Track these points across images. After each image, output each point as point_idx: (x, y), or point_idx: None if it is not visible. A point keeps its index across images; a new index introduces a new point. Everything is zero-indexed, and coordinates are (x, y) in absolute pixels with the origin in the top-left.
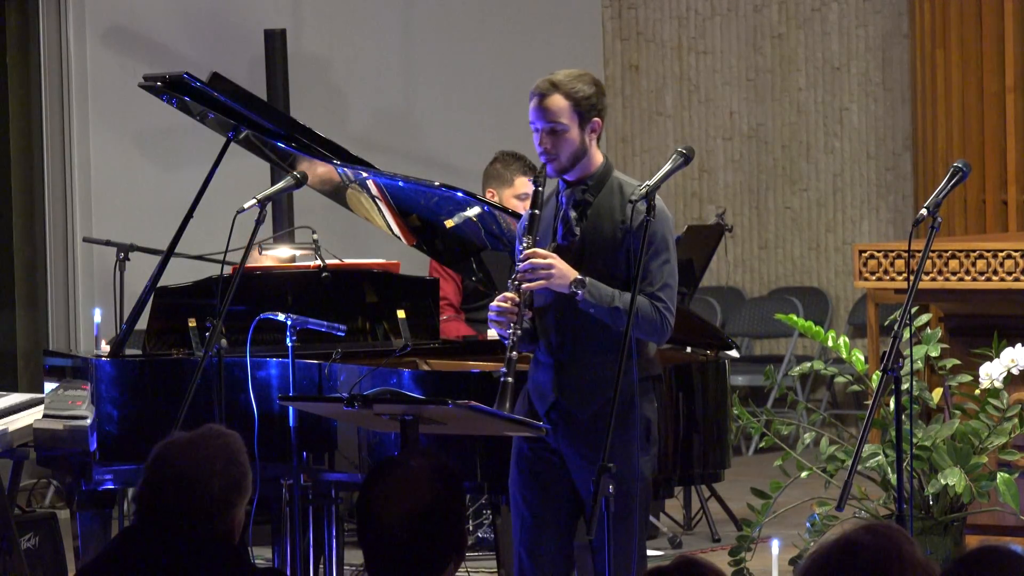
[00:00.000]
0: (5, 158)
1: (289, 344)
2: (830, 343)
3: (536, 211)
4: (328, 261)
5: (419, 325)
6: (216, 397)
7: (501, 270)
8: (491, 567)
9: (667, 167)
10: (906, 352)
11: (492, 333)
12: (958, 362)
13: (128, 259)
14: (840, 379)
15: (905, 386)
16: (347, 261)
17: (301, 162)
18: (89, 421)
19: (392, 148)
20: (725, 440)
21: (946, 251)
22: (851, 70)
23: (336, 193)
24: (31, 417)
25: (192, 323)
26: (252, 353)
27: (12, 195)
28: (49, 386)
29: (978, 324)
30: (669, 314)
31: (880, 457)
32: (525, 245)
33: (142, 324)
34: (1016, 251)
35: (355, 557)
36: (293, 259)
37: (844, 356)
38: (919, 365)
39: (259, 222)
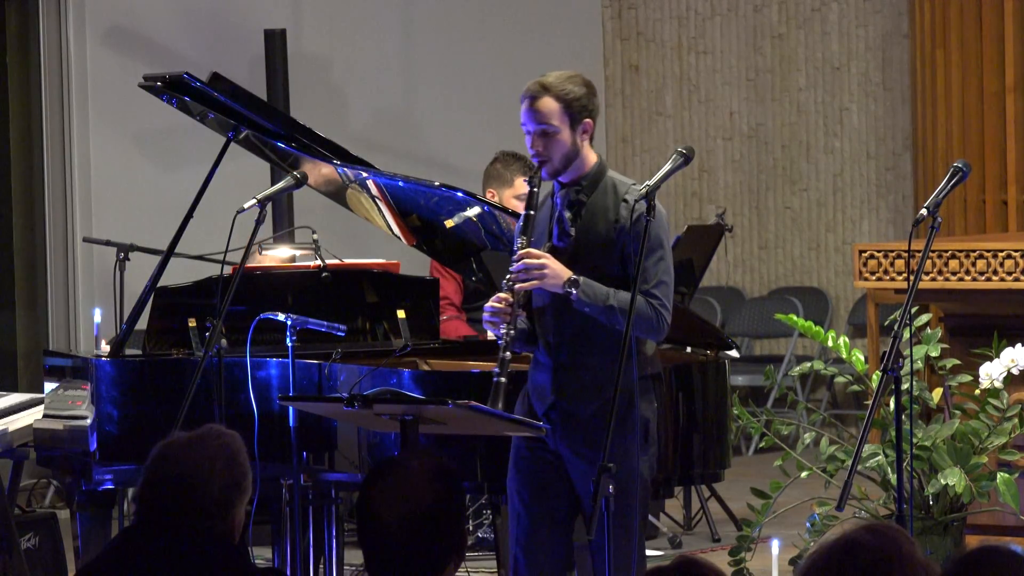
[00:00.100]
0: (5, 158)
1: (289, 344)
2: (830, 343)
3: (531, 212)
4: (328, 261)
5: (419, 325)
6: (216, 397)
7: (501, 270)
8: (491, 567)
9: (667, 167)
10: (906, 352)
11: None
12: (958, 362)
13: (128, 259)
14: (840, 379)
15: (905, 386)
16: (347, 261)
17: (304, 163)
18: (89, 421)
19: (392, 148)
20: (725, 440)
21: (946, 251)
22: (851, 70)
23: (336, 193)
24: (31, 417)
25: (192, 323)
26: (252, 353)
27: (12, 195)
28: (49, 386)
29: (978, 324)
30: (665, 311)
31: (880, 457)
32: (519, 245)
33: (142, 324)
34: (1016, 251)
35: (355, 557)
36: (293, 259)
37: (844, 356)
38: (919, 365)
39: (259, 222)
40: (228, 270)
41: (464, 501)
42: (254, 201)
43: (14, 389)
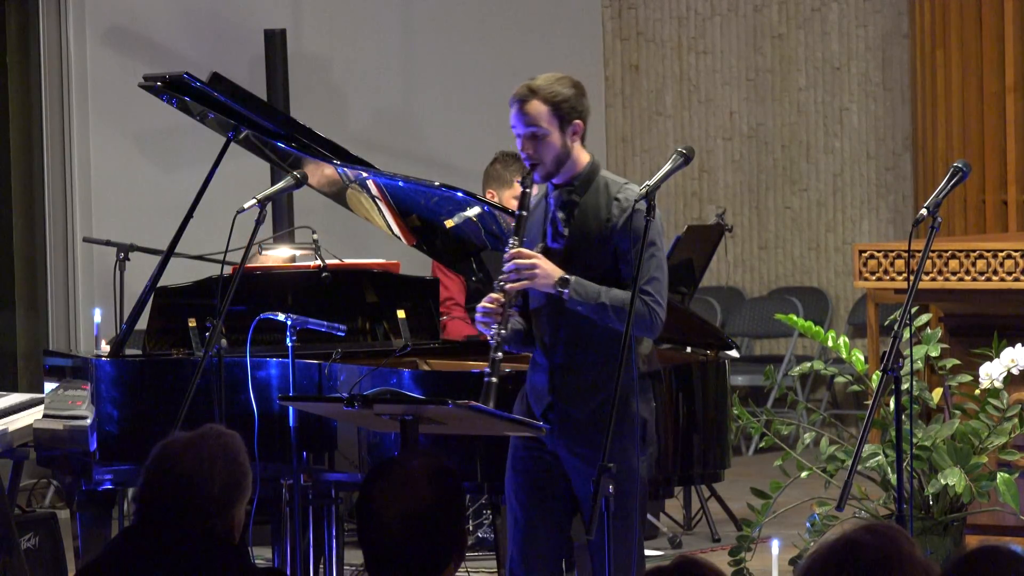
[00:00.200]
0: (5, 158)
1: (289, 344)
2: (830, 343)
3: (523, 212)
4: (328, 261)
5: (419, 325)
6: (216, 397)
7: (501, 270)
8: (491, 567)
9: (667, 167)
10: (906, 352)
11: None
12: (958, 362)
13: (128, 259)
14: (840, 379)
15: (905, 386)
16: (347, 261)
17: (304, 163)
18: (89, 421)
19: (392, 148)
20: (725, 440)
21: (946, 251)
22: (851, 70)
23: (336, 193)
24: (31, 417)
25: (192, 323)
26: (252, 353)
27: (12, 195)
28: (49, 386)
29: (978, 324)
30: (658, 307)
31: (880, 457)
32: (511, 246)
33: (142, 324)
34: (1016, 251)
35: (355, 557)
36: (293, 259)
37: (844, 356)
38: (919, 365)
39: (259, 222)
40: (228, 270)
41: (464, 501)
42: (254, 201)
43: (14, 389)
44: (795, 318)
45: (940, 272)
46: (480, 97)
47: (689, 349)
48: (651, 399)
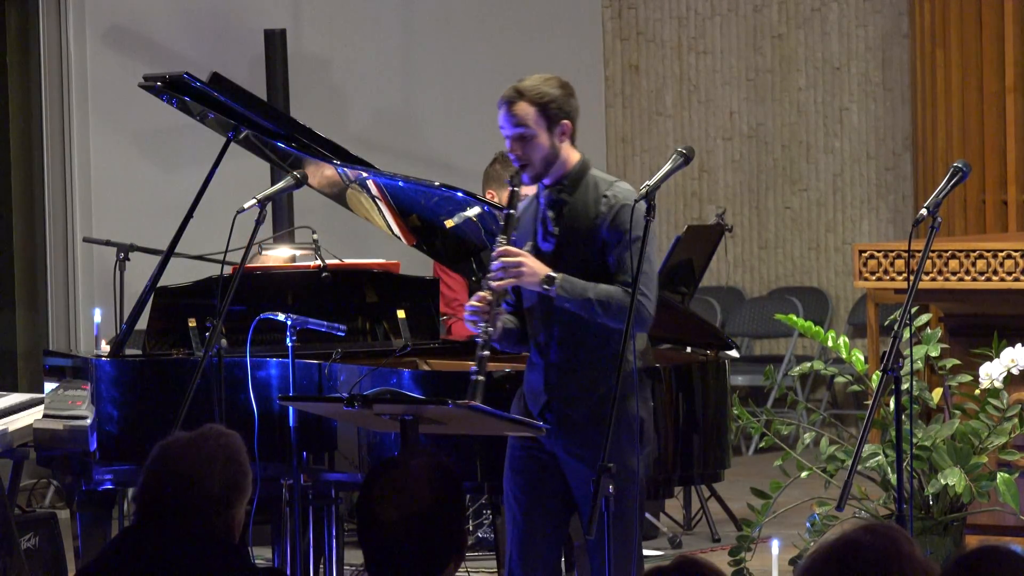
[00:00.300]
0: (5, 158)
1: (289, 344)
2: (830, 343)
3: (512, 211)
4: (328, 261)
5: (419, 325)
6: (216, 397)
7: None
8: (491, 567)
9: (667, 167)
10: (906, 352)
11: None
12: (958, 362)
13: (128, 259)
14: (840, 379)
15: (905, 386)
16: (347, 261)
17: (304, 163)
18: (89, 421)
19: (392, 148)
20: (725, 440)
21: (946, 251)
22: (851, 70)
23: (336, 193)
24: (31, 417)
25: (192, 323)
26: (252, 353)
27: (12, 195)
28: (49, 386)
29: (978, 324)
30: (647, 300)
31: (880, 457)
32: (499, 244)
33: (142, 324)
34: (1016, 251)
35: (355, 557)
36: (293, 259)
37: (844, 356)
38: (919, 365)
39: (259, 222)
40: (228, 270)
41: (464, 501)
42: (254, 201)
43: (14, 389)
44: (795, 318)
45: (940, 272)
46: (480, 97)
47: (689, 349)
48: (648, 398)
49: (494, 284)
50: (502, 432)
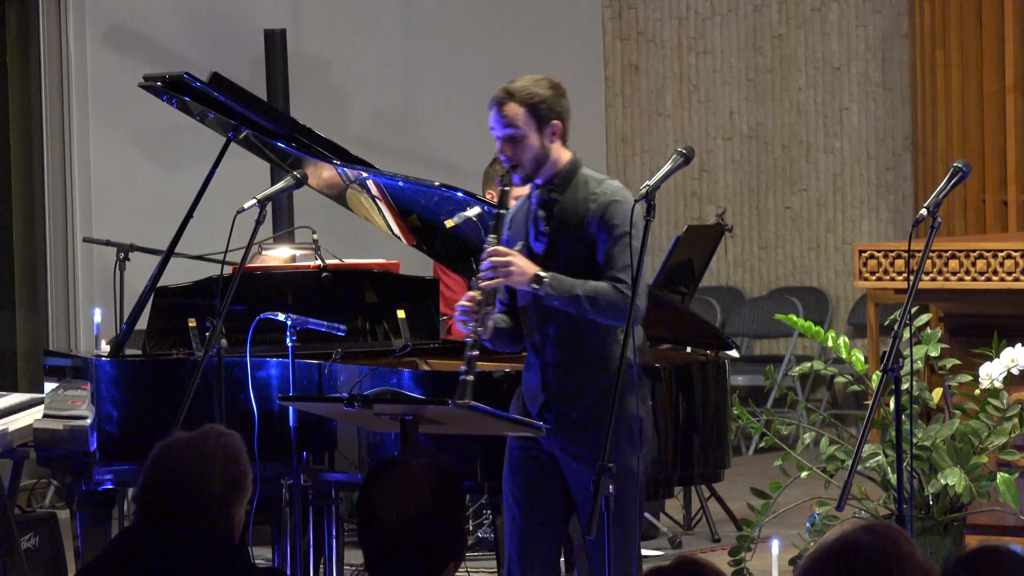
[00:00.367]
0: (5, 158)
1: (289, 344)
2: (830, 343)
3: (502, 211)
4: (328, 261)
5: (419, 325)
6: (216, 397)
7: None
8: (491, 567)
9: (667, 167)
10: (906, 352)
11: None
12: (958, 362)
13: (128, 259)
14: (840, 379)
15: (905, 386)
16: (347, 261)
17: (304, 163)
18: (89, 421)
19: (392, 148)
20: (725, 440)
21: (946, 251)
22: (851, 70)
23: (336, 194)
24: (31, 417)
25: (192, 323)
26: (252, 353)
27: (12, 195)
28: (49, 386)
29: (978, 324)
30: (631, 292)
31: (880, 457)
32: (488, 244)
33: (142, 324)
34: (1016, 251)
35: (355, 557)
36: (293, 259)
37: (844, 356)
38: (919, 365)
39: (259, 222)
40: (228, 270)
41: (464, 501)
42: (254, 201)
43: (14, 389)
44: (795, 318)
45: (940, 272)
46: (480, 97)
47: (689, 349)
48: (647, 397)
49: (483, 284)
50: (502, 432)
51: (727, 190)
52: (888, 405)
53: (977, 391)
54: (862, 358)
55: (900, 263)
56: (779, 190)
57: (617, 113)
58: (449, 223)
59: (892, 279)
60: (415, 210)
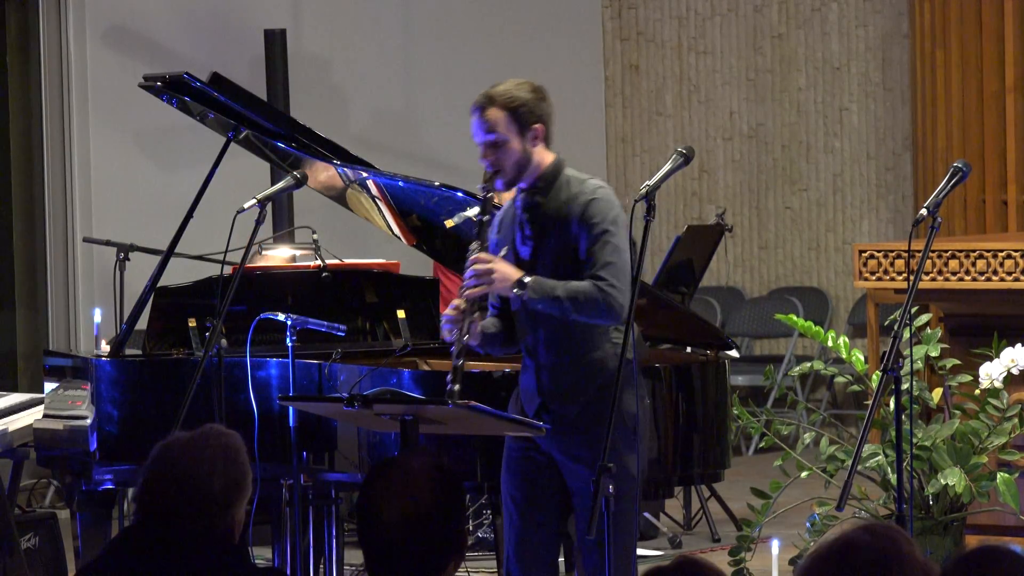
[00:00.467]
0: (5, 158)
1: (289, 344)
2: (830, 343)
3: (484, 217)
4: (328, 261)
5: (419, 325)
6: (216, 397)
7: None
8: (491, 567)
9: (667, 167)
10: (906, 352)
11: None
12: (958, 362)
13: (128, 259)
14: (840, 379)
15: (905, 386)
16: (347, 261)
17: (304, 163)
18: (89, 421)
19: (392, 148)
20: (725, 440)
21: (946, 251)
22: (851, 70)
23: (337, 194)
24: (31, 417)
25: (192, 323)
26: (252, 353)
27: (12, 195)
28: (49, 386)
29: (978, 324)
30: (615, 291)
31: (880, 457)
32: (472, 251)
33: (142, 324)
34: (1016, 251)
35: (355, 557)
36: (293, 259)
37: (844, 356)
38: (919, 365)
39: (259, 222)
40: (228, 270)
41: (464, 501)
42: (254, 201)
43: (14, 389)
44: (795, 318)
45: (940, 272)
46: None
47: (689, 349)
48: (645, 395)
49: (466, 293)
50: (502, 432)
51: (727, 190)
52: (888, 405)
53: (977, 391)
54: (862, 358)
55: (900, 263)
56: (779, 190)
57: (617, 113)
58: (449, 223)
59: (892, 279)
60: (415, 210)
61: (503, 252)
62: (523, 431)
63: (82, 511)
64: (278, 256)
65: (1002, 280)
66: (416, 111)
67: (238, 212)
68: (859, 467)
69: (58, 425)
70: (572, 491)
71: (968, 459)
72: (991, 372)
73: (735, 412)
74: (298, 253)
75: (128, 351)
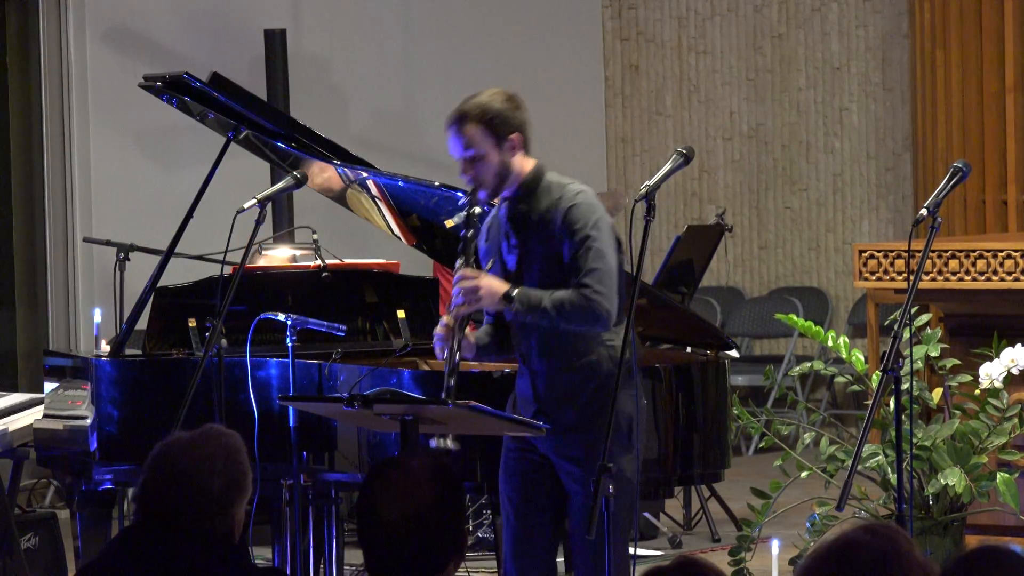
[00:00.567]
0: (5, 158)
1: (289, 344)
2: (830, 343)
3: (468, 232)
4: (328, 261)
5: (419, 325)
6: (216, 397)
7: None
8: (491, 567)
9: (667, 167)
10: (906, 352)
11: None
12: (958, 362)
13: (128, 259)
14: (840, 379)
15: (905, 386)
16: (347, 261)
17: (304, 163)
18: (89, 421)
19: (392, 148)
20: (725, 440)
21: (946, 251)
22: (851, 70)
23: (337, 194)
24: (31, 417)
25: (192, 323)
26: (252, 353)
27: (12, 195)
28: (49, 386)
29: (978, 324)
30: (600, 297)
31: (880, 457)
32: (457, 267)
33: (142, 324)
34: (1016, 251)
35: (355, 557)
36: (293, 259)
37: (844, 356)
38: (919, 365)
39: (259, 222)
40: (228, 270)
41: (464, 501)
42: (254, 201)
43: (14, 389)
44: (795, 318)
45: (940, 272)
46: None
47: (689, 349)
48: (641, 397)
49: (454, 312)
50: (502, 432)
51: (727, 190)
52: (888, 405)
53: (977, 391)
54: (862, 358)
55: (900, 263)
56: (779, 190)
57: (617, 113)
58: (449, 223)
59: (892, 279)
60: (415, 210)
61: (490, 264)
62: (523, 431)
63: (82, 511)
64: (278, 256)
65: (1002, 280)
66: (416, 111)
67: (238, 212)
68: (859, 467)
69: (58, 425)
70: (568, 492)
71: (968, 459)
72: (991, 372)
73: (735, 412)
74: (298, 253)
75: (128, 351)
